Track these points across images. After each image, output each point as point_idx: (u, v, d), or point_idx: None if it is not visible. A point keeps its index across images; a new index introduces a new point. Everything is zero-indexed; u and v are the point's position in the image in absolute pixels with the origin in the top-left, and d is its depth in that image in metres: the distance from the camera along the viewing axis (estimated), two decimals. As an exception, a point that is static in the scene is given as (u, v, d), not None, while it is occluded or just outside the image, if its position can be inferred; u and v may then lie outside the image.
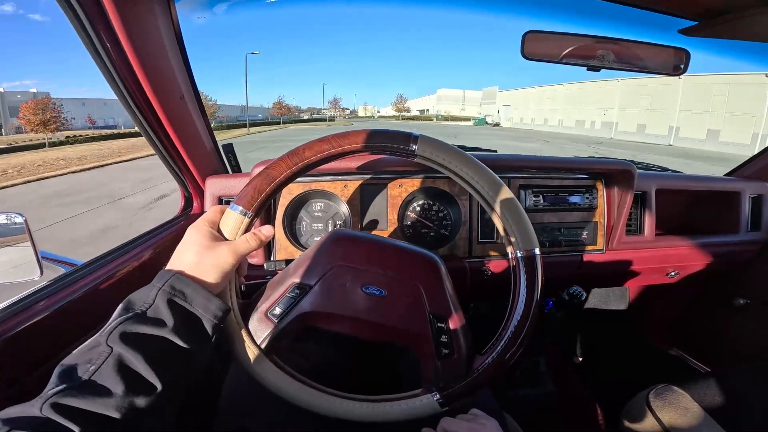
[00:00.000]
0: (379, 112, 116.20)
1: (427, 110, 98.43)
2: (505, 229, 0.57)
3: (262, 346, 0.55)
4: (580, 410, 1.45)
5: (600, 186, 1.13)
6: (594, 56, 0.81)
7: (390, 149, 0.56)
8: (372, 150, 0.57)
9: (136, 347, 0.40)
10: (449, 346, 0.55)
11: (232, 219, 0.52)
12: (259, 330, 0.56)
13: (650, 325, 1.75)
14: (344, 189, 1.00)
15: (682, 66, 0.78)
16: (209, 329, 0.47)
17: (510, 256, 0.58)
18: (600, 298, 1.80)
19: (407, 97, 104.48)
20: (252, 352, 0.54)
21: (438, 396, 0.55)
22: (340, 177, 1.00)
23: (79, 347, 0.41)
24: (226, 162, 1.10)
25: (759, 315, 1.34)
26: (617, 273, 1.25)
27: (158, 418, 0.40)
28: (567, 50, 0.83)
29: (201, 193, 1.03)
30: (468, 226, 1.04)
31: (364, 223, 1.02)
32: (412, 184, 1.02)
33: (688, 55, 0.78)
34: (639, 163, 1.34)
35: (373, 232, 1.01)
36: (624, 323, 1.81)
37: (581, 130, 37.06)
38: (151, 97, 0.78)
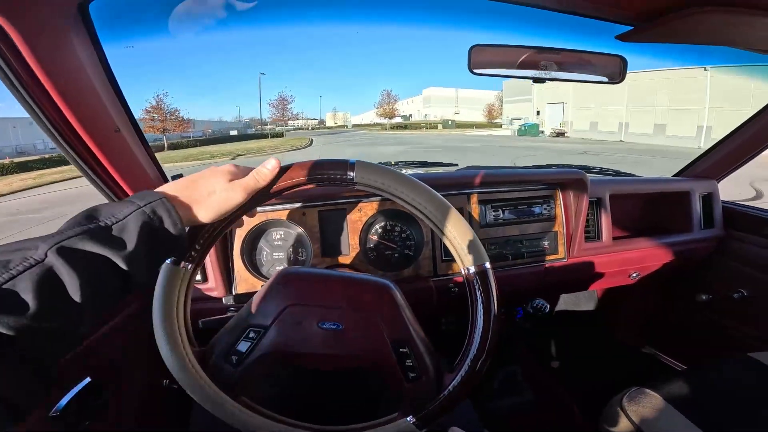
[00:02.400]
0: (350, 120, 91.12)
1: (411, 115, 78.14)
2: (454, 248, 0.57)
3: (227, 391, 0.53)
4: (559, 416, 1.44)
5: (557, 196, 1.14)
6: (538, 67, 0.83)
7: (330, 179, 0.55)
8: (314, 182, 0.55)
9: (77, 266, 0.34)
10: (415, 369, 0.55)
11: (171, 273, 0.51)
12: (222, 376, 0.54)
13: (621, 325, 1.77)
14: (303, 217, 0.98)
15: (619, 72, 0.81)
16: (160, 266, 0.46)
17: (463, 273, 0.57)
18: (570, 302, 1.82)
19: (396, 96, 70.14)
20: (219, 398, 0.52)
21: (413, 419, 0.55)
22: (297, 205, 0.98)
23: (6, 245, 0.35)
24: None
25: (721, 309, 1.38)
26: (581, 279, 1.26)
27: (57, 347, 0.36)
28: (512, 62, 0.85)
29: None
30: (431, 245, 1.03)
31: (325, 250, 0.99)
32: (372, 207, 1.01)
33: (624, 62, 0.81)
34: (593, 168, 1.37)
35: (336, 258, 0.99)
36: (596, 325, 1.83)
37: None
38: (82, 135, 0.74)
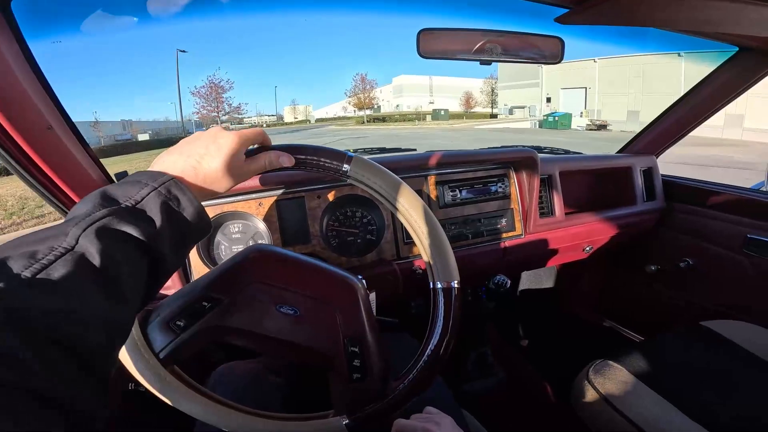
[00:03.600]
0: (312, 114, 77.73)
1: (380, 106, 66.30)
2: (430, 260, 0.58)
3: (161, 356, 0.51)
4: (532, 393, 1.50)
5: (511, 174, 1.19)
6: (484, 50, 0.85)
7: (323, 167, 0.55)
8: (307, 166, 0.55)
9: (111, 248, 0.33)
10: (361, 371, 0.54)
11: None
12: (159, 339, 0.52)
13: (580, 300, 1.86)
14: (259, 207, 0.96)
15: (558, 53, 0.85)
16: (185, 248, 0.44)
17: (430, 285, 0.58)
18: (532, 281, 1.89)
19: (373, 81, 57.33)
20: (148, 362, 0.50)
21: (347, 420, 0.54)
22: (253, 195, 0.96)
23: (23, 236, 0.32)
24: None
25: (670, 279, 1.47)
26: (539, 255, 1.32)
27: (107, 336, 0.32)
28: (459, 46, 0.86)
29: None
30: (392, 228, 1.04)
31: (285, 239, 0.98)
32: (331, 193, 1.00)
33: (562, 43, 0.85)
34: (544, 148, 1.43)
35: (297, 247, 0.98)
36: (557, 302, 1.92)
37: None
38: (14, 135, 0.69)
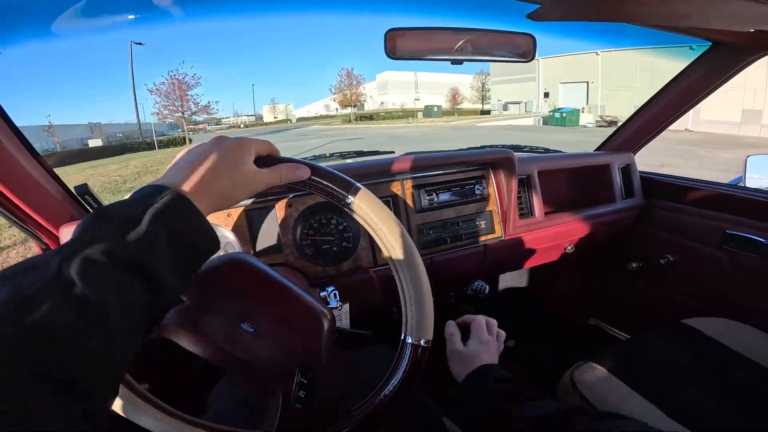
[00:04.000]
0: (293, 113, 71.59)
1: (363, 103, 61.32)
2: (405, 311, 0.56)
3: None
4: None
5: (489, 175, 1.17)
6: (454, 49, 0.82)
7: (328, 191, 0.52)
8: (313, 187, 0.52)
9: (96, 277, 0.30)
10: (303, 402, 0.51)
11: None
12: None
13: (564, 300, 1.85)
14: (228, 218, 0.92)
15: (530, 51, 0.83)
16: (192, 269, 0.40)
17: (402, 335, 0.56)
18: (514, 281, 1.88)
19: (360, 75, 52.47)
20: None
21: None
22: None
23: (9, 267, 0.30)
24: (86, 206, 0.96)
25: (649, 276, 1.47)
26: (520, 256, 1.30)
27: (96, 369, 0.30)
28: (429, 45, 0.84)
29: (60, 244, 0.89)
30: (368, 235, 1.01)
31: (257, 250, 0.95)
32: (303, 201, 0.97)
33: (533, 40, 0.83)
34: (524, 147, 1.41)
35: (271, 257, 0.95)
36: (541, 302, 1.91)
37: None
38: None
